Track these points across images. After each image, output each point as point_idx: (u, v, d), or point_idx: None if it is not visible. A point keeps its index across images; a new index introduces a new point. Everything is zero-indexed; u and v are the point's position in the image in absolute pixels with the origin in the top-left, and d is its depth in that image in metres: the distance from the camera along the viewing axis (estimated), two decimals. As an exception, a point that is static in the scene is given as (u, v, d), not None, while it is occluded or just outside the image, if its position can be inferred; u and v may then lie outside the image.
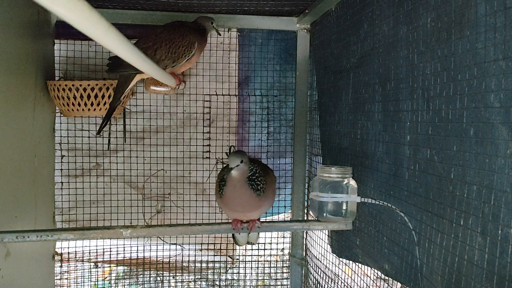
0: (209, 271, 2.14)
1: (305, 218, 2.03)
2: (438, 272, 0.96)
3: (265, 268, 2.17)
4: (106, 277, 2.14)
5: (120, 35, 0.74)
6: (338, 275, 1.69)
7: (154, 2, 1.80)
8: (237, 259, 2.15)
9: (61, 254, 2.02)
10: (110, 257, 2.08)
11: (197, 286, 2.15)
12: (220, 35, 1.95)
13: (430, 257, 1.00)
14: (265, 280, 2.17)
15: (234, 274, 2.16)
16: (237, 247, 2.14)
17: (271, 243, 2.14)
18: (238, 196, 1.27)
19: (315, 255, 1.90)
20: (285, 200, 2.13)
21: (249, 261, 2.15)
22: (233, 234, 1.56)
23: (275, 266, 2.17)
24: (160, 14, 1.92)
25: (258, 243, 2.11)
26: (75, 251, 2.03)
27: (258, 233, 1.59)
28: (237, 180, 1.24)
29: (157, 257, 2.10)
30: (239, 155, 1.23)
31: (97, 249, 2.05)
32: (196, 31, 1.76)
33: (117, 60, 1.65)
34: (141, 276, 2.11)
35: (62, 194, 1.99)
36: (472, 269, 0.85)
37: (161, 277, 2.11)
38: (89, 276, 2.07)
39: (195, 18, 1.86)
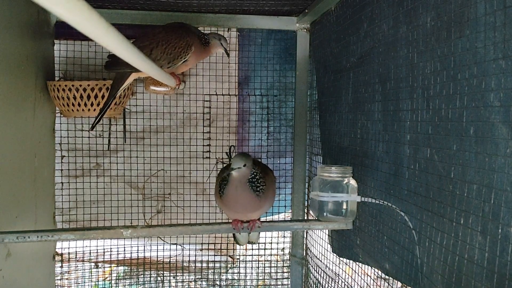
0: (209, 271, 2.14)
1: (306, 218, 2.03)
2: (439, 271, 0.96)
3: (265, 268, 2.16)
4: (107, 277, 2.14)
5: (119, 35, 0.74)
6: (338, 274, 1.69)
7: (153, 2, 1.79)
8: (237, 258, 2.15)
9: (61, 254, 2.02)
10: (110, 257, 2.08)
11: (197, 286, 2.15)
12: (228, 56, 1.89)
13: (431, 256, 1.00)
14: (265, 280, 2.17)
15: (235, 274, 2.16)
16: (238, 246, 2.14)
17: (271, 243, 2.14)
18: (238, 198, 1.27)
19: (316, 255, 1.90)
20: (285, 200, 2.12)
21: (249, 261, 2.15)
22: (233, 234, 1.56)
23: (276, 265, 2.17)
24: (160, 14, 1.92)
25: (259, 243, 2.11)
26: (76, 251, 2.03)
27: (259, 233, 1.59)
28: (238, 181, 1.24)
29: (157, 257, 2.10)
30: (243, 158, 1.23)
31: (97, 249, 2.05)
32: (196, 36, 1.74)
33: (116, 58, 1.65)
34: (142, 276, 2.11)
35: (62, 194, 1.99)
36: (472, 268, 0.85)
37: (162, 277, 2.11)
38: (90, 276, 2.07)
39: (195, 18, 1.85)
